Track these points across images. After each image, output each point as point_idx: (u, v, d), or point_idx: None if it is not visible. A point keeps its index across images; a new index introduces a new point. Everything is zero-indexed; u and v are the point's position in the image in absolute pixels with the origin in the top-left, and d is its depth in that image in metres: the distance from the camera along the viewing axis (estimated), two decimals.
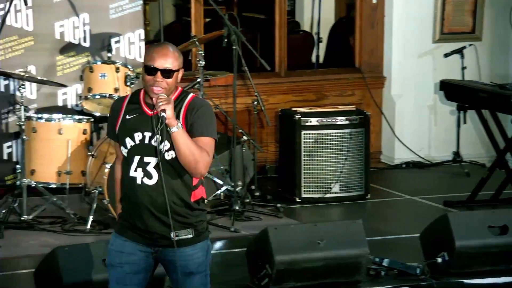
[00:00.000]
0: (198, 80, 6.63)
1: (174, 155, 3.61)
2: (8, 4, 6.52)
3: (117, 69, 6.55)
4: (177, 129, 3.54)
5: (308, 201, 7.08)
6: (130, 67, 6.65)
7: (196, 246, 3.69)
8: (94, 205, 6.19)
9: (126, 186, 3.68)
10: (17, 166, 6.46)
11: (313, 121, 7.10)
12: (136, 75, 6.59)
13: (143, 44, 7.30)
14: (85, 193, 6.44)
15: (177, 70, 3.62)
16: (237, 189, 6.69)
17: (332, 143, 7.10)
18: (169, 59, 3.59)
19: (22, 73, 6.36)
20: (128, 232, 3.68)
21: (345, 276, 5.33)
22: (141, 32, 7.29)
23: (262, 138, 7.71)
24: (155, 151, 3.59)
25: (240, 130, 6.93)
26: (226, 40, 6.54)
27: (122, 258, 3.67)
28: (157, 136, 3.55)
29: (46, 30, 7.00)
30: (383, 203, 7.27)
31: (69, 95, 7.14)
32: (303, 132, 7.08)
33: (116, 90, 6.50)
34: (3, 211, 6.28)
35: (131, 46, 7.25)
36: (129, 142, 3.64)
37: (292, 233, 5.27)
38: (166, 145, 3.62)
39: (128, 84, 6.54)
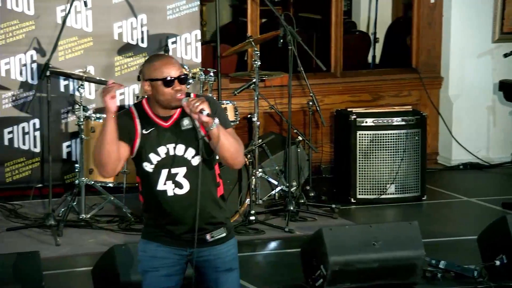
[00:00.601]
0: (254, 80, 6.65)
1: (200, 159, 3.63)
2: (69, 5, 6.64)
3: None
4: (217, 123, 3.54)
5: (363, 202, 7.05)
6: (186, 67, 6.69)
7: (229, 243, 3.75)
8: None
9: (153, 199, 3.66)
10: (76, 165, 6.57)
11: (369, 121, 7.07)
12: (192, 76, 6.63)
13: (199, 44, 7.35)
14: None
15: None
16: (292, 189, 6.69)
17: (388, 144, 7.05)
18: (178, 65, 3.63)
19: (81, 74, 6.47)
20: (161, 238, 3.70)
21: (400, 278, 5.29)
22: (198, 32, 7.35)
23: (317, 139, 7.70)
24: (182, 161, 3.61)
25: (295, 131, 6.93)
26: (282, 41, 6.54)
27: (157, 262, 3.69)
28: (202, 137, 3.54)
29: (105, 31, 7.10)
30: (439, 204, 7.19)
31: (126, 95, 7.23)
32: (359, 132, 7.05)
33: None
34: (62, 209, 6.39)
35: (187, 46, 7.30)
36: (154, 158, 3.64)
37: (347, 234, 5.25)
38: (191, 152, 3.64)
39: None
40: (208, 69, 6.63)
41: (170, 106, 3.63)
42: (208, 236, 3.68)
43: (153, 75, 3.61)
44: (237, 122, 6.68)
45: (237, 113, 6.62)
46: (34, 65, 6.99)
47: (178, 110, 3.66)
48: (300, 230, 6.35)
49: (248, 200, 6.40)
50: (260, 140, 6.69)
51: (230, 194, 6.32)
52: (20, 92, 6.99)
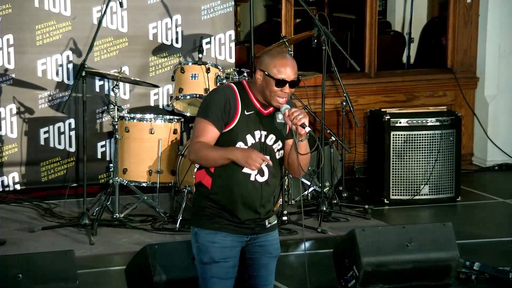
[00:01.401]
0: None
1: (282, 153, 3.82)
2: (104, 6, 6.69)
3: (208, 70, 6.63)
4: (306, 139, 3.71)
5: (396, 202, 7.01)
6: (220, 67, 6.72)
7: (277, 230, 3.91)
8: (184, 204, 6.29)
9: (232, 181, 3.75)
10: (110, 165, 6.62)
11: (403, 122, 7.04)
12: (226, 76, 6.65)
13: (233, 45, 7.36)
14: (175, 192, 6.54)
15: None
16: (325, 189, 6.68)
17: (422, 145, 7.01)
18: (295, 69, 3.77)
19: (116, 74, 6.51)
20: (227, 227, 3.79)
21: (434, 280, 5.26)
22: (232, 33, 7.36)
23: (350, 139, 7.68)
24: (270, 150, 3.75)
25: (328, 131, 6.92)
26: (315, 41, 6.54)
27: (227, 253, 3.78)
28: (297, 150, 3.68)
29: (140, 32, 7.15)
30: (474, 205, 7.14)
31: (160, 95, 7.27)
32: (393, 133, 7.02)
33: (206, 90, 6.59)
34: (97, 208, 6.45)
35: (221, 47, 7.32)
36: (250, 140, 3.76)
37: (380, 235, 5.24)
38: (279, 144, 3.81)
39: (218, 84, 6.61)
40: (242, 69, 6.65)
41: (269, 103, 3.77)
42: (266, 222, 3.83)
43: (269, 71, 3.74)
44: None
45: None
46: (70, 66, 7.06)
47: None
48: (332, 231, 6.34)
49: (280, 200, 6.40)
50: None
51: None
52: (56, 92, 7.06)
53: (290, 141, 3.81)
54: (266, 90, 3.75)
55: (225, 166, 3.75)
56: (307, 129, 3.68)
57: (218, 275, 3.78)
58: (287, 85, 3.74)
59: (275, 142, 3.79)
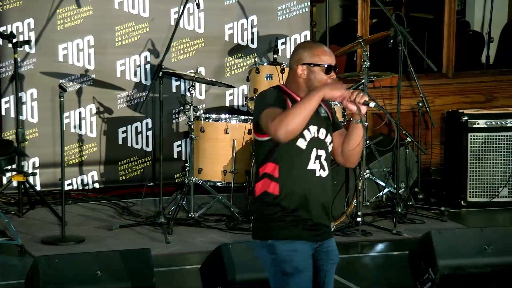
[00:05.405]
0: (362, 81, 6.61)
1: (331, 147, 3.74)
2: (182, 7, 6.77)
3: (283, 70, 6.64)
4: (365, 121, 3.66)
5: (474, 205, 6.90)
6: None
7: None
8: None
9: (298, 180, 3.64)
10: (186, 164, 6.70)
11: (481, 123, 6.91)
12: None
13: None
14: (249, 192, 6.57)
15: None
16: (400, 191, 6.62)
17: (501, 146, 6.88)
18: (333, 55, 3.73)
19: (192, 74, 6.58)
20: (302, 233, 3.65)
21: None
22: (307, 33, 7.36)
23: (426, 140, 7.58)
24: (324, 144, 3.67)
25: (404, 132, 6.85)
26: (392, 41, 6.48)
27: (308, 260, 3.66)
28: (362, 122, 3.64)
29: (216, 33, 7.21)
30: None
31: (235, 96, 7.32)
32: (470, 134, 6.91)
33: None
34: (172, 208, 6.52)
35: None
36: (307, 135, 3.66)
37: (457, 238, 5.16)
38: (329, 138, 3.70)
39: None
40: None
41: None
42: (332, 224, 3.89)
43: (314, 61, 3.67)
44: (345, 123, 6.66)
45: (345, 114, 6.60)
46: (148, 66, 7.16)
47: None
48: (408, 233, 6.27)
49: (355, 201, 6.36)
50: (368, 141, 6.65)
51: (337, 195, 6.30)
52: (134, 92, 7.18)
53: (337, 133, 3.73)
54: (315, 82, 3.64)
55: (289, 167, 3.64)
56: (372, 104, 3.60)
57: (302, 285, 3.63)
58: (333, 71, 3.68)
59: (326, 135, 3.69)
